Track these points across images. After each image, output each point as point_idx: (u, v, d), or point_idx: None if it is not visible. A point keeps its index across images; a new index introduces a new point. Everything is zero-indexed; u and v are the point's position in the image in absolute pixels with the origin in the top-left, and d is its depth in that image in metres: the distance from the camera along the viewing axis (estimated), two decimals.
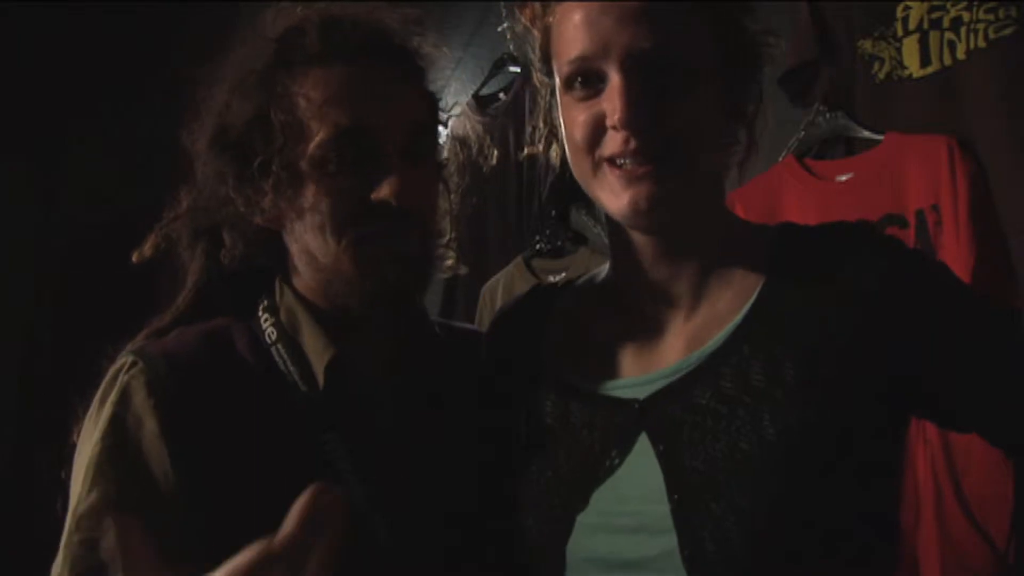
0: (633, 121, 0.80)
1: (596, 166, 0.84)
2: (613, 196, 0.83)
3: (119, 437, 0.86)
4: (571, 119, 0.85)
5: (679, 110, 0.81)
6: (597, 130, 0.83)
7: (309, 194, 0.90)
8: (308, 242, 0.92)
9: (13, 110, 2.95)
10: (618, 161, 0.82)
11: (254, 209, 0.93)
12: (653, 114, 0.80)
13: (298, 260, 0.95)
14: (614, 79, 0.81)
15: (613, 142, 0.82)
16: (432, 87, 1.00)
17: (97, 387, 0.92)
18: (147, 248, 1.01)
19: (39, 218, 3.05)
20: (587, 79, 0.83)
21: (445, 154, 1.05)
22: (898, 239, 0.88)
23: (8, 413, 2.94)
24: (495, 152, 1.11)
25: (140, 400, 0.86)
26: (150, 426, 0.85)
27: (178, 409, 0.86)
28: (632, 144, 0.80)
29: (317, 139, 0.88)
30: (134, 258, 1.01)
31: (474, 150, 1.06)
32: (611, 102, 0.80)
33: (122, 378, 0.88)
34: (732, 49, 0.85)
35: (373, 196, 0.89)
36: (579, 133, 0.84)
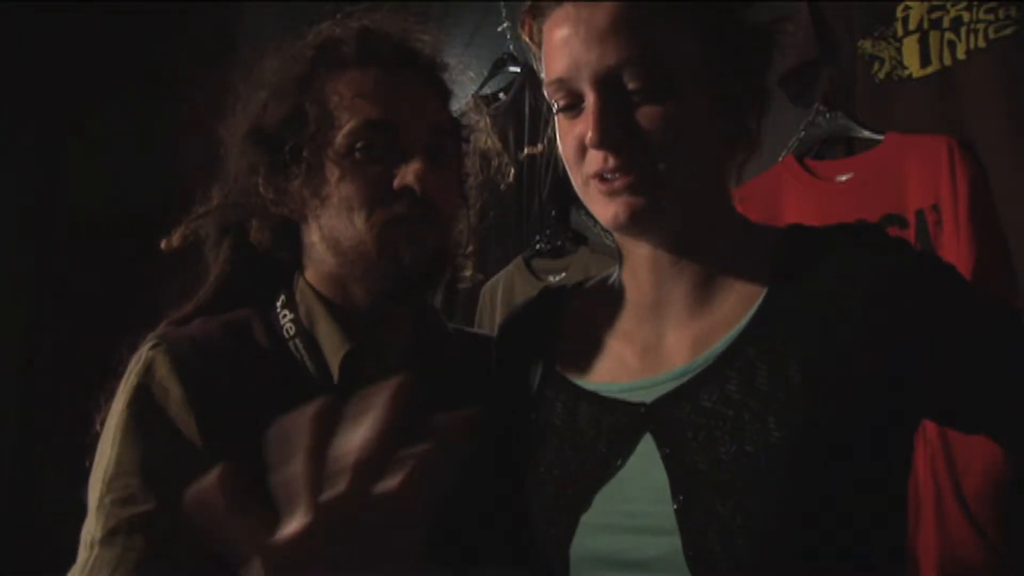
0: (604, 141, 0.81)
1: (585, 181, 0.85)
2: (599, 209, 0.85)
3: (145, 404, 0.88)
4: (561, 136, 0.87)
5: (657, 120, 0.81)
6: (581, 148, 0.84)
7: (335, 179, 0.94)
8: (332, 226, 0.95)
9: (13, 110, 2.95)
10: (603, 175, 0.83)
11: (281, 199, 0.97)
12: (628, 130, 0.81)
13: (316, 250, 0.98)
14: (589, 98, 0.82)
15: (594, 160, 0.83)
16: (454, 105, 1.06)
17: (119, 376, 0.93)
18: (176, 238, 1.04)
19: (39, 218, 3.05)
20: (569, 98, 0.84)
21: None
22: (906, 241, 0.88)
23: (8, 413, 2.94)
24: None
25: (164, 372, 0.88)
26: (176, 394, 0.87)
27: (202, 385, 0.88)
28: (610, 162, 0.81)
29: (346, 127, 0.94)
30: (162, 245, 1.05)
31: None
32: (586, 122, 0.82)
33: (146, 354, 0.90)
34: (725, 46, 0.84)
35: (396, 182, 0.94)
36: (567, 151, 0.86)
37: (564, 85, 0.83)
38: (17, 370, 2.97)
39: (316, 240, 0.98)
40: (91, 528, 0.85)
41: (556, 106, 0.86)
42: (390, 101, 0.95)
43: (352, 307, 0.97)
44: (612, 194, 0.82)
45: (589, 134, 0.81)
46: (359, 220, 0.94)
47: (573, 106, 0.84)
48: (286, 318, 0.97)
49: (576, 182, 0.87)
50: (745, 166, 0.91)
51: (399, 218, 0.94)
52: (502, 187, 1.15)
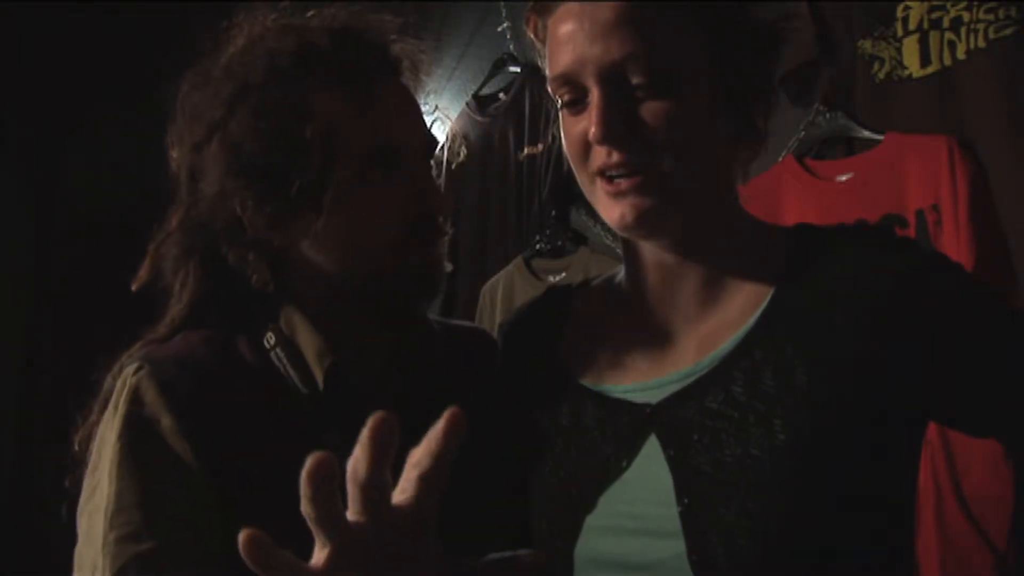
0: (608, 136, 0.80)
1: (591, 180, 0.85)
2: (606, 210, 0.84)
3: (137, 434, 0.86)
4: (565, 132, 0.86)
5: (661, 117, 0.80)
6: (585, 144, 0.83)
7: (345, 204, 0.91)
8: (338, 248, 0.93)
9: (12, 111, 2.95)
10: (607, 174, 0.82)
11: (273, 226, 0.93)
12: (631, 126, 0.80)
13: (305, 269, 0.95)
14: (593, 94, 0.81)
15: (598, 156, 0.82)
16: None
17: (97, 396, 0.92)
18: (143, 273, 1.00)
19: (39, 219, 3.05)
20: (573, 94, 0.83)
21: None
22: (914, 241, 0.88)
23: (8, 413, 2.94)
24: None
25: (152, 399, 0.87)
26: (167, 423, 0.86)
27: (191, 406, 0.87)
28: (614, 157, 0.81)
29: (359, 153, 0.91)
30: (133, 287, 1.00)
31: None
32: (590, 117, 0.81)
33: (131, 380, 0.88)
34: (729, 45, 0.84)
35: (407, 200, 0.93)
36: (571, 147, 0.85)
37: (568, 80, 0.83)
38: (17, 370, 2.97)
39: (313, 260, 0.95)
40: (98, 565, 0.83)
41: (560, 102, 0.85)
42: (391, 120, 0.94)
43: (336, 315, 0.96)
44: (619, 195, 0.82)
45: (592, 129, 0.80)
46: (373, 241, 0.92)
47: (577, 102, 0.83)
48: (266, 328, 0.96)
49: (582, 180, 0.87)
50: (751, 165, 0.91)
51: (414, 236, 0.93)
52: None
